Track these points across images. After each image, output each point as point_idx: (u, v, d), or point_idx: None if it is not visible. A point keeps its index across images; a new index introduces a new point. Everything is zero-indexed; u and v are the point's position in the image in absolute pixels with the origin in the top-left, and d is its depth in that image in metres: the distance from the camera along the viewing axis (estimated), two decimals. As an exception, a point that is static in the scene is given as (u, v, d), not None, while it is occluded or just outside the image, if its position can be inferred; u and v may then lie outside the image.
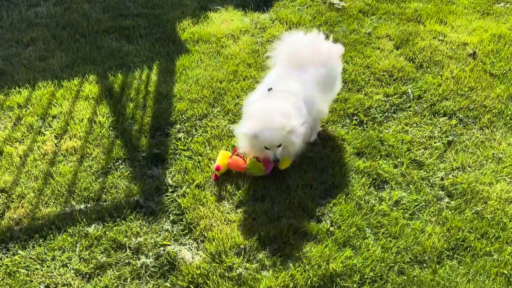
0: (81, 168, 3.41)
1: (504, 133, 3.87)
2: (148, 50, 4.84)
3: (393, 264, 2.82)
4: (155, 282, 2.72)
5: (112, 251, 2.87)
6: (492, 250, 2.93)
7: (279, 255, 2.84)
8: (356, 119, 3.98)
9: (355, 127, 3.89)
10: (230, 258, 2.81)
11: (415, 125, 3.94)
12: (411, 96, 4.26)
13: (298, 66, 3.41)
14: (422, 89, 4.33)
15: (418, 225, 3.06)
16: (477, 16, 5.57)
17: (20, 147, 3.58)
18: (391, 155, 3.62)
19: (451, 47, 4.96)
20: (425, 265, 2.84)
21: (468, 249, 2.94)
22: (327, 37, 3.65)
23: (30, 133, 3.72)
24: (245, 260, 2.82)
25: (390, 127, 3.91)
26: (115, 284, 2.70)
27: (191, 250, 2.91)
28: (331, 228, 3.02)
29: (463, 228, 3.05)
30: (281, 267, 2.77)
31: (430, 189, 3.34)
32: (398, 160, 3.57)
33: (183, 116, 3.95)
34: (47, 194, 3.21)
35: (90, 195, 3.21)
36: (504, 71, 4.60)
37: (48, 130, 3.76)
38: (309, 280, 2.70)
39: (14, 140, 3.65)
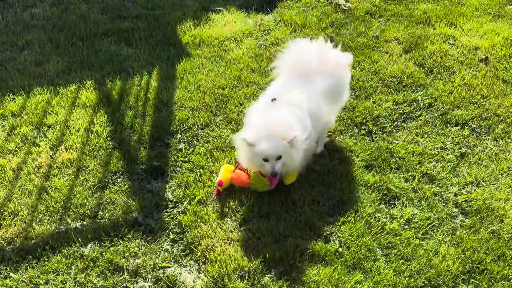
0: (77, 182, 3.25)
1: (520, 145, 3.71)
2: (148, 54, 4.67)
3: (405, 289, 2.67)
4: (154, 308, 2.58)
5: (109, 274, 2.72)
6: (510, 274, 2.77)
7: (285, 279, 2.69)
8: (364, 129, 3.81)
9: (363, 138, 3.72)
10: (233, 283, 2.66)
11: (426, 135, 3.78)
12: (422, 104, 4.09)
13: (304, 76, 3.24)
14: (433, 96, 4.16)
15: (432, 246, 2.90)
16: (488, 19, 5.39)
17: (14, 159, 3.42)
18: (401, 168, 3.45)
19: (462, 52, 4.78)
20: (439, 290, 2.69)
21: (485, 272, 2.78)
22: (335, 45, 3.47)
23: (25, 144, 3.57)
24: (249, 284, 2.67)
25: (400, 137, 3.75)
26: (112, 310, 2.56)
27: (192, 272, 2.76)
28: (340, 249, 2.86)
29: (479, 249, 2.89)
30: (287, 292, 2.63)
31: (443, 206, 3.18)
32: (409, 173, 3.41)
33: (184, 126, 3.79)
34: (41, 211, 3.05)
35: (86, 212, 3.06)
36: (518, 77, 4.43)
37: (43, 140, 3.60)
38: (317, 306, 2.56)
39: (8, 152, 3.49)
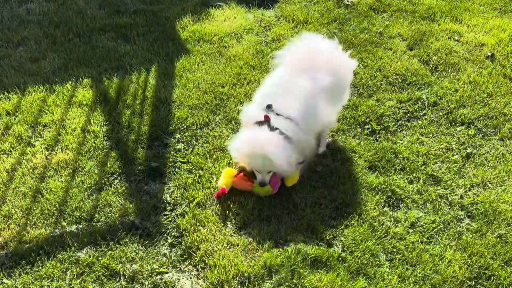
0: (72, 184, 3.17)
1: (527, 145, 3.62)
2: (146, 50, 4.57)
3: (410, 296, 2.60)
4: (152, 316, 2.50)
5: (105, 280, 2.64)
6: (518, 280, 2.69)
7: (287, 285, 2.61)
8: (368, 128, 3.72)
9: (366, 137, 3.63)
10: (233, 289, 2.58)
11: (431, 135, 3.68)
12: (426, 102, 3.99)
13: (307, 72, 3.13)
14: (438, 95, 4.06)
15: (437, 251, 2.82)
16: (494, 14, 5.26)
17: (8, 160, 3.34)
18: (406, 169, 3.36)
19: (468, 48, 4.67)
20: (445, 296, 2.61)
21: (492, 278, 2.70)
22: (340, 43, 3.38)
23: (19, 144, 3.48)
24: (250, 290, 2.60)
25: (404, 137, 3.65)
26: (108, 318, 2.48)
27: (191, 278, 2.68)
28: (343, 254, 2.78)
29: (486, 254, 2.81)
30: (288, 299, 2.55)
31: (449, 209, 3.10)
32: (414, 175, 3.32)
33: (183, 125, 3.69)
34: (35, 214, 2.97)
35: (82, 214, 2.97)
36: (525, 75, 4.32)
37: (38, 140, 3.51)
38: (320, 314, 2.48)
39: (2, 152, 3.40)
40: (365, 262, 2.74)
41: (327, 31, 4.85)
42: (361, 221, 2.97)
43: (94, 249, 2.79)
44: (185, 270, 2.72)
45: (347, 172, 3.31)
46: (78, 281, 2.62)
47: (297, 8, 5.26)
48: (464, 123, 3.80)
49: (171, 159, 3.40)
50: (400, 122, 3.80)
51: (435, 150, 3.53)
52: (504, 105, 3.97)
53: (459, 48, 4.66)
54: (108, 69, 4.27)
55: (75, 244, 2.79)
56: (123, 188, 3.16)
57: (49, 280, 2.62)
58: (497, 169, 3.39)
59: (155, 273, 2.67)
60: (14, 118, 3.70)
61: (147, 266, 2.71)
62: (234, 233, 2.90)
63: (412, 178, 3.30)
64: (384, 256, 2.78)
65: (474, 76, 4.27)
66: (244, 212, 3.01)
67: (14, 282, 2.61)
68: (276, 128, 2.91)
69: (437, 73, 4.34)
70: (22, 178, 3.20)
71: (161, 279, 2.65)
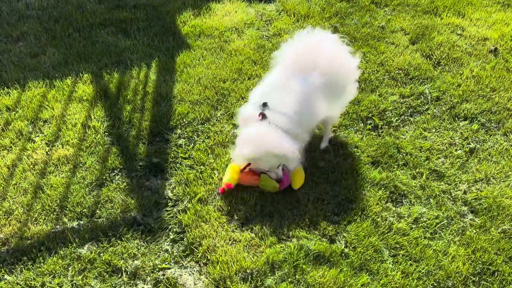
0: (73, 179, 3.15)
1: (530, 140, 3.59)
2: (147, 45, 4.53)
3: (414, 292, 2.58)
4: (154, 312, 2.49)
5: (107, 276, 2.63)
6: (522, 275, 2.68)
7: (289, 281, 2.60)
8: (370, 123, 3.69)
9: (369, 132, 3.60)
10: (235, 285, 2.56)
11: (434, 130, 3.66)
12: (429, 97, 3.96)
13: (306, 69, 3.08)
14: (441, 89, 4.03)
15: (441, 246, 2.80)
16: (497, 8, 5.22)
17: (8, 156, 3.31)
18: (409, 164, 3.34)
19: (470, 43, 4.63)
20: (449, 292, 2.60)
21: (496, 274, 2.69)
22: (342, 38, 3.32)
23: (19, 139, 3.45)
24: (252, 286, 2.58)
25: (407, 132, 3.63)
26: (110, 314, 2.47)
27: (193, 274, 2.66)
28: (346, 250, 2.77)
29: (490, 249, 2.80)
30: (291, 295, 2.53)
31: (452, 204, 3.08)
32: (417, 170, 3.30)
33: (184, 120, 3.67)
34: (36, 210, 2.95)
35: (84, 210, 2.96)
36: (528, 69, 4.29)
37: (38, 136, 3.49)
38: (323, 310, 2.47)
39: (2, 148, 3.38)
40: (368, 258, 2.73)
41: (329, 25, 4.81)
42: (364, 217, 2.96)
43: (96, 245, 2.77)
44: (187, 266, 2.70)
45: (350, 167, 3.29)
46: (79, 277, 2.61)
47: (299, 2, 5.22)
48: (467, 118, 3.77)
49: (172, 155, 3.38)
50: (403, 117, 3.77)
51: (438, 145, 3.51)
52: (507, 100, 3.94)
53: (461, 43, 4.62)
54: (109, 64, 4.24)
55: (77, 240, 2.77)
56: (125, 184, 3.14)
57: (51, 276, 2.61)
58: (501, 164, 3.37)
59: (157, 269, 2.66)
60: (14, 114, 3.67)
61: (149, 262, 2.69)
62: (236, 229, 2.89)
63: (415, 174, 3.28)
64: (387, 252, 2.77)
65: (477, 71, 4.24)
66: (246, 208, 2.99)
67: (16, 279, 2.59)
68: (274, 124, 2.89)
69: (439, 67, 4.31)
70: (22, 174, 3.18)
71: (163, 275, 2.63)
